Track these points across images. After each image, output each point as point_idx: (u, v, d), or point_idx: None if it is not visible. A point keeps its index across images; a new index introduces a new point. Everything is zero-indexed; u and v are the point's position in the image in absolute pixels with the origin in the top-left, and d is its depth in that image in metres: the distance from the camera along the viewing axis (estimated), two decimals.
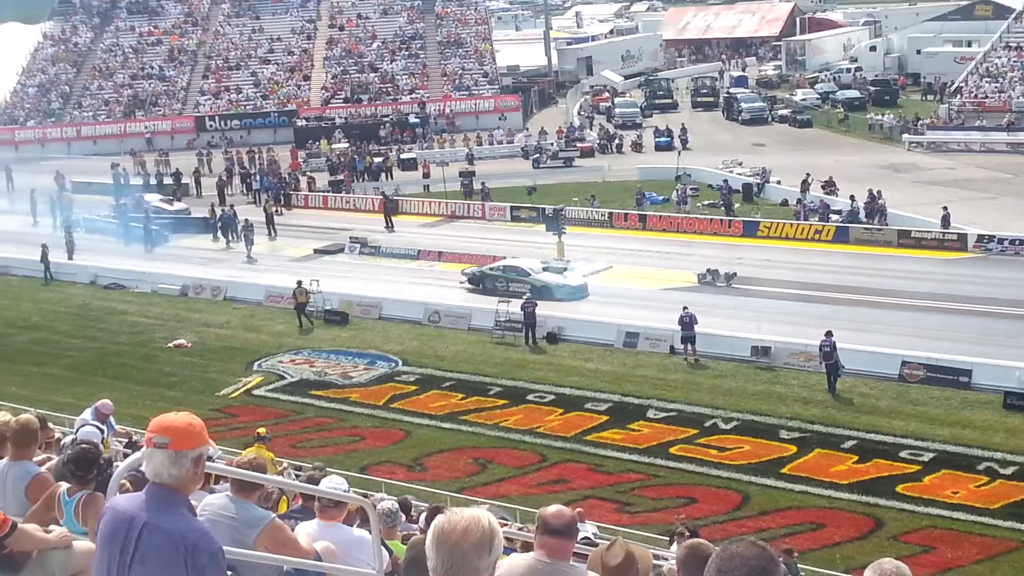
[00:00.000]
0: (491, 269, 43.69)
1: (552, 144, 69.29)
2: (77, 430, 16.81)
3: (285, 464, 20.41)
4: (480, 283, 43.40)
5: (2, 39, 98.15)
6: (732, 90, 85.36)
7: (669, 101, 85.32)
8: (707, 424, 30.42)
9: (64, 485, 7.55)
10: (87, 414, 18.42)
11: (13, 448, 7.77)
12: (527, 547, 10.67)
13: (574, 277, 42.95)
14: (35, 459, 8.20)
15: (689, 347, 35.13)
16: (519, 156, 69.37)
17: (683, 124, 72.04)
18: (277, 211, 57.29)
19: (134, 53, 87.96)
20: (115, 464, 9.06)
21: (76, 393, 33.89)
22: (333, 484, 8.94)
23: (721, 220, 50.96)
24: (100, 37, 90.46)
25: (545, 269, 43.07)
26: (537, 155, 67.32)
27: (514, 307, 37.93)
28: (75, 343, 40.42)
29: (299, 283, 41.15)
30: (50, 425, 14.40)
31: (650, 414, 31.26)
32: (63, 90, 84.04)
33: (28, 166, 69.27)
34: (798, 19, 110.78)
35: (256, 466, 7.53)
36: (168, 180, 65.24)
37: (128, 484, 6.22)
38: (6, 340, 40.93)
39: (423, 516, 15.12)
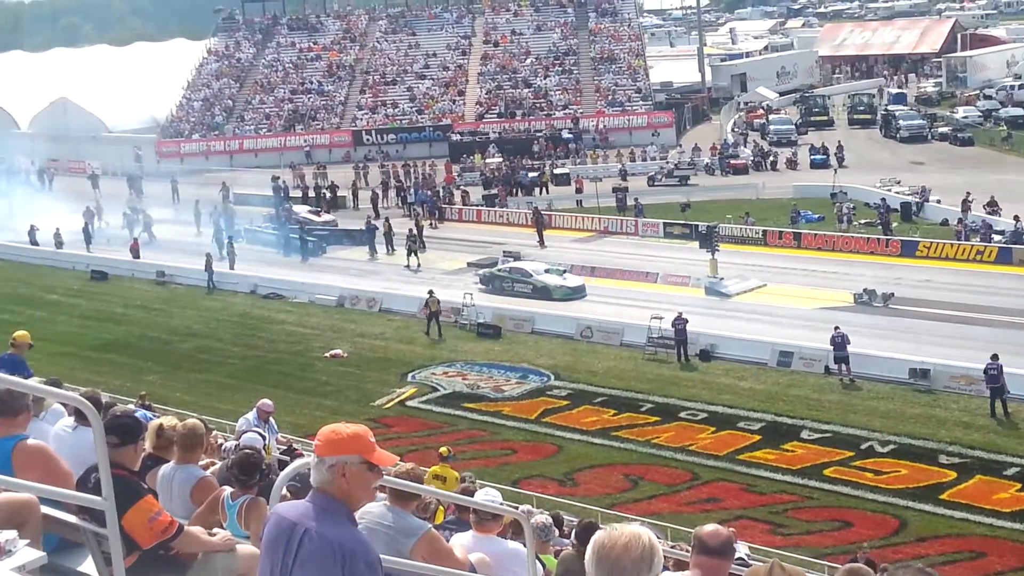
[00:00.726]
0: (499, 270, 47.34)
1: (700, 160, 68.88)
2: (239, 435, 17.16)
3: (470, 477, 20.41)
4: (490, 283, 46.51)
5: (170, 55, 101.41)
6: (890, 107, 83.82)
7: (825, 118, 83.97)
8: (863, 447, 29.74)
9: (228, 489, 7.70)
10: (250, 415, 18.83)
11: (179, 452, 7.99)
12: (679, 565, 10.60)
13: (572, 279, 45.88)
14: (199, 463, 8.40)
15: (843, 367, 34.53)
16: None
17: (839, 142, 70.95)
18: (431, 224, 58.11)
19: (294, 68, 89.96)
20: (275, 470, 9.23)
21: (236, 400, 34.66)
22: (488, 497, 8.97)
23: (878, 239, 49.96)
24: (262, 53, 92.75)
25: (547, 271, 46.01)
26: (652, 173, 67.03)
27: (666, 323, 37.71)
28: (235, 351, 41.29)
29: (430, 292, 42.16)
30: (212, 430, 14.80)
31: (804, 435, 30.72)
32: (226, 104, 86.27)
33: (192, 178, 71.24)
34: (959, 35, 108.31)
35: (414, 476, 7.58)
36: (325, 192, 66.52)
37: (287, 493, 6.32)
38: (171, 347, 42.03)
39: (574, 531, 15.07)
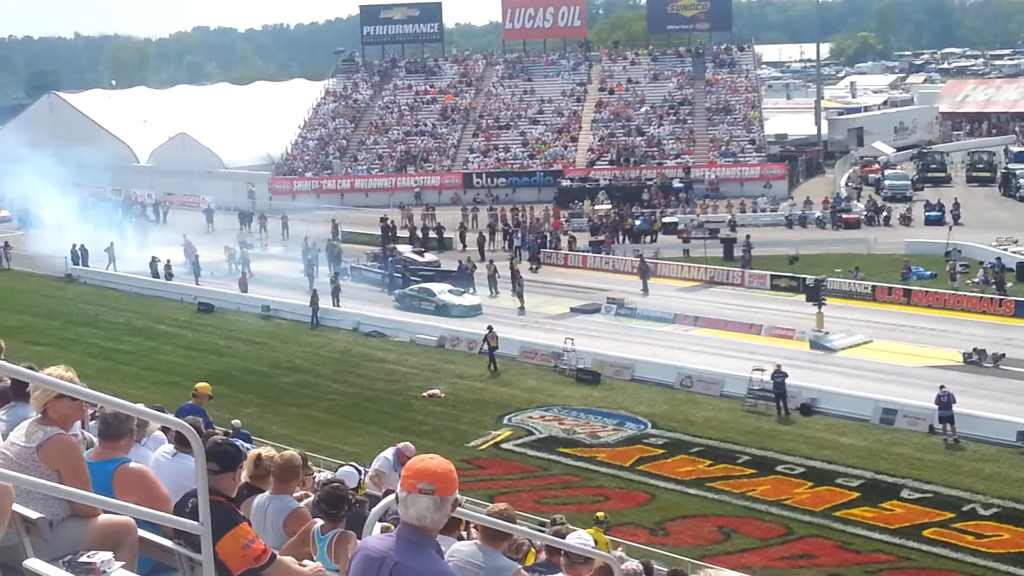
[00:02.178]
0: (410, 291, 52.92)
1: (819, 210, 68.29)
2: (375, 472, 17.32)
3: (560, 519, 20.43)
4: (402, 301, 52.43)
5: (289, 94, 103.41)
6: (1011, 166, 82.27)
7: (942, 175, 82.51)
8: (965, 509, 29.15)
9: (319, 522, 7.84)
10: (388, 453, 18.90)
11: (275, 482, 8.08)
12: None
13: (469, 299, 51.69)
14: (294, 495, 8.56)
15: (948, 427, 33.93)
16: (782, 225, 68.65)
17: (956, 199, 69.59)
18: (532, 268, 58.44)
19: (409, 110, 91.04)
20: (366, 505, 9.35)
21: (332, 435, 35.16)
22: (581, 540, 8.99)
23: (991, 299, 49.03)
24: (379, 94, 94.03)
25: (449, 292, 51.78)
26: (684, 225, 66.48)
27: (767, 376, 37.41)
28: (335, 387, 41.70)
29: (490, 328, 43.54)
30: (309, 464, 15.02)
31: (904, 494, 30.20)
32: (341, 144, 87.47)
33: (303, 215, 72.34)
34: None
35: (506, 516, 7.65)
36: (430, 232, 67.27)
37: (391, 526, 6.42)
38: (272, 380, 42.61)
39: None
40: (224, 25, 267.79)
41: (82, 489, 5.87)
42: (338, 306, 52.09)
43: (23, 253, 65.32)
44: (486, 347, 43.26)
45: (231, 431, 21.39)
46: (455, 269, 56.20)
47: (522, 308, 51.45)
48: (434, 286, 52.63)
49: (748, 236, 60.54)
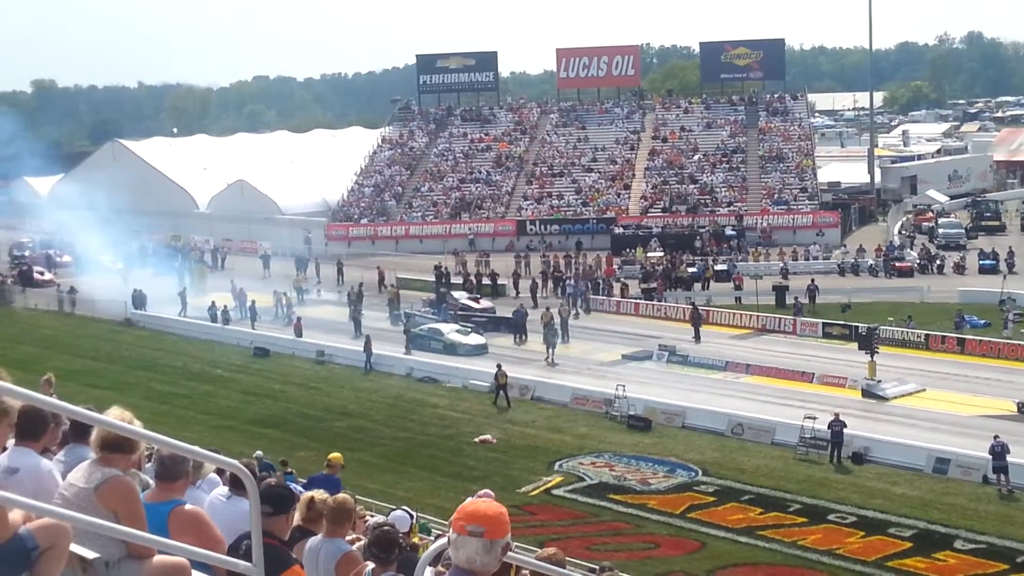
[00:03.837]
0: (420, 330, 54.54)
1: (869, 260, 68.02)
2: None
3: (607, 566, 20.51)
4: (414, 341, 53.58)
5: (345, 142, 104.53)
6: None
7: (996, 223, 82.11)
8: (1019, 560, 28.88)
9: (370, 565, 8.00)
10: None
11: (328, 525, 8.21)
12: None
13: (475, 339, 53.61)
14: (346, 539, 8.75)
15: (1002, 477, 33.67)
16: (835, 273, 68.40)
17: (1010, 247, 69.20)
18: (575, 314, 58.52)
19: (464, 158, 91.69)
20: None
21: (385, 481, 35.28)
22: None
23: None
24: (434, 142, 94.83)
25: (456, 331, 53.99)
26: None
27: (820, 423, 37.32)
28: (387, 432, 41.82)
29: (499, 366, 45.11)
30: (360, 508, 15.25)
31: (958, 545, 29.99)
32: (396, 191, 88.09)
33: (358, 261, 72.93)
34: None
35: (556, 561, 7.75)
36: (483, 279, 67.61)
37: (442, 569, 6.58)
38: (325, 425, 42.83)
39: None
40: (283, 74, 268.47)
41: (138, 530, 6.07)
42: (409, 354, 52.48)
43: (83, 298, 66.19)
44: (496, 384, 44.73)
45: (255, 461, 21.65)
46: (511, 315, 56.38)
47: (549, 358, 51.47)
48: (443, 326, 54.65)
49: (813, 279, 60.66)
